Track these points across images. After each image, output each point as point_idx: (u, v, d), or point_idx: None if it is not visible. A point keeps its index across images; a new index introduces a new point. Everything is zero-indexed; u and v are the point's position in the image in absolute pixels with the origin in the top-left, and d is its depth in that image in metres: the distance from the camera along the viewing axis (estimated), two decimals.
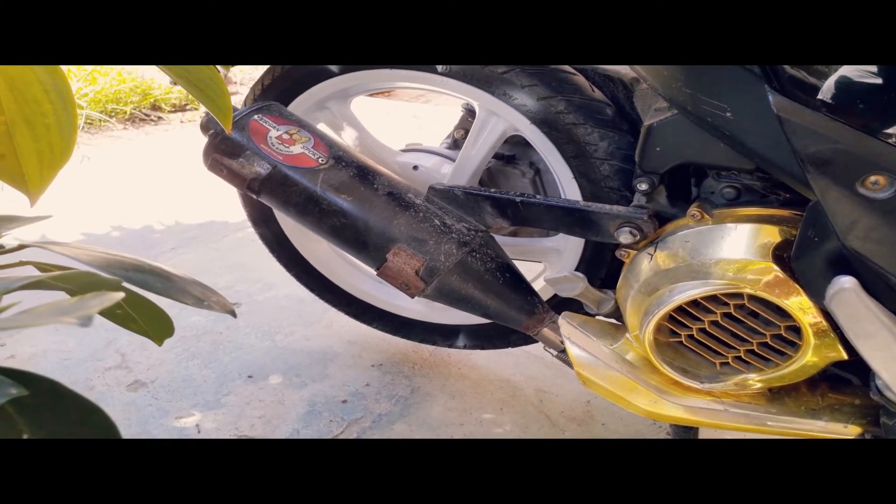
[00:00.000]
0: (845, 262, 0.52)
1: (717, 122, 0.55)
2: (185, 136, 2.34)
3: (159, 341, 0.51)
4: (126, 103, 2.33)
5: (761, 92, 0.50)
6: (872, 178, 0.48)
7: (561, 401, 1.04)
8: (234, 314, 0.46)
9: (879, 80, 0.47)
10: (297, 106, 0.91)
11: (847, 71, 0.47)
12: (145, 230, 1.58)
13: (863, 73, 0.47)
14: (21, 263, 0.45)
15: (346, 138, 0.93)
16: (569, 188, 0.78)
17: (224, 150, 0.79)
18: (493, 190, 0.77)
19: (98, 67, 2.37)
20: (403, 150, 0.94)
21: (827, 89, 0.48)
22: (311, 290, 1.09)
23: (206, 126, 0.84)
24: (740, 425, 0.68)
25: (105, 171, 1.96)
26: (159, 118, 2.42)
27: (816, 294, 0.55)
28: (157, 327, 0.49)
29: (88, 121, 2.23)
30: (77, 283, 0.38)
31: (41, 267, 0.42)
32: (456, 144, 0.96)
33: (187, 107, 2.53)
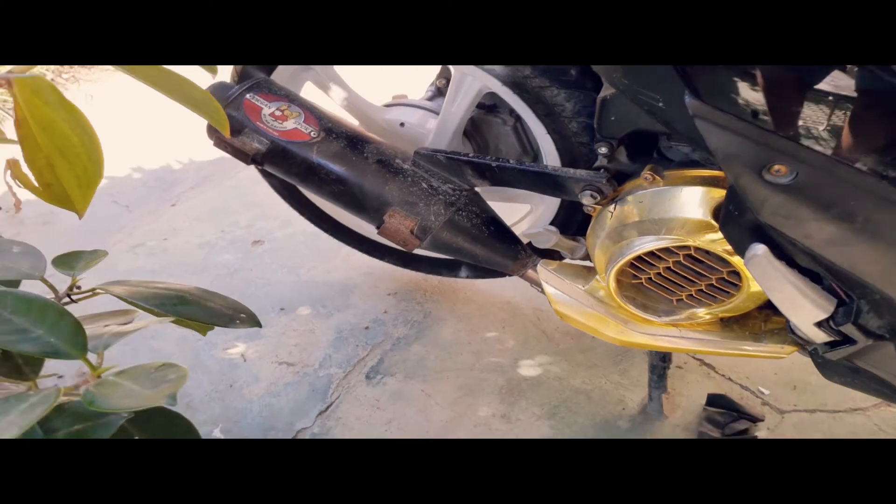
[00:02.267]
0: (761, 230, 0.64)
1: (653, 109, 0.64)
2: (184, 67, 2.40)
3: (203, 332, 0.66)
4: None
5: (682, 93, 0.59)
6: (775, 167, 0.58)
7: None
8: (260, 326, 0.60)
9: (778, 81, 0.55)
10: (283, 70, 1.00)
11: (754, 72, 0.56)
12: (163, 171, 1.72)
13: (765, 74, 0.55)
14: (94, 294, 0.59)
15: (334, 97, 1.03)
16: (543, 142, 0.89)
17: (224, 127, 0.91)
18: (471, 155, 0.88)
19: None
20: (389, 105, 1.03)
21: (736, 91, 0.57)
22: (325, 230, 1.24)
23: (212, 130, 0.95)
24: (695, 349, 0.84)
25: (111, 110, 2.06)
26: None
27: (740, 254, 0.67)
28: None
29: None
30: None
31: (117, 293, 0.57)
32: (439, 92, 1.05)
33: None
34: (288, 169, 0.91)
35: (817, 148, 0.57)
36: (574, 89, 0.82)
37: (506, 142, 1.00)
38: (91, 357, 0.43)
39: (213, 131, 0.94)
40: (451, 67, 0.91)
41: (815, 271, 0.66)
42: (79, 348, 0.39)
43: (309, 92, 1.06)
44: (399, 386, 1.13)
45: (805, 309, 0.66)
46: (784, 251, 0.65)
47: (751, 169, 0.59)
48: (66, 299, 0.52)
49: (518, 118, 0.98)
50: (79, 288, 0.55)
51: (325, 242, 1.40)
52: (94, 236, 1.47)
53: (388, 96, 1.09)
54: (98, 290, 0.54)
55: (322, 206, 1.21)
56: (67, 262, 0.54)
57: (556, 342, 1.17)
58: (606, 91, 0.74)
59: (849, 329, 0.66)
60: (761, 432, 1.02)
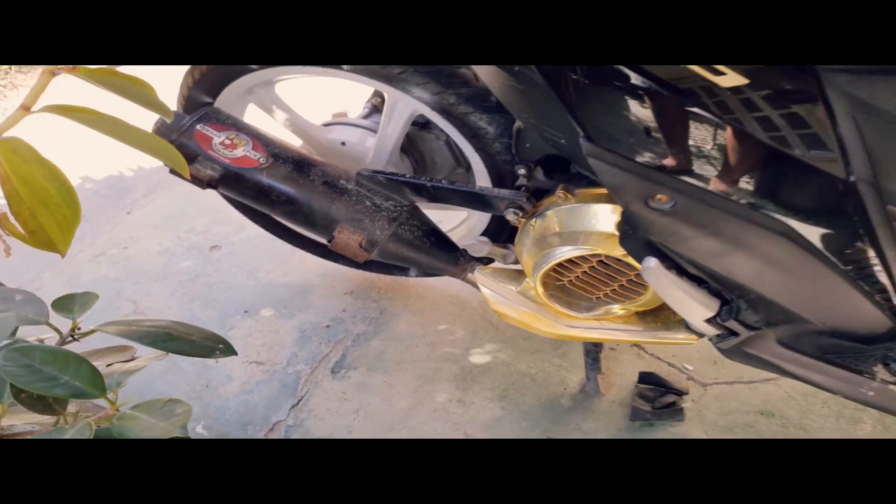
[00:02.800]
0: (653, 245, 0.75)
1: (556, 144, 0.74)
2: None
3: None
4: None
5: (578, 133, 0.69)
6: (658, 197, 0.69)
7: None
8: (235, 354, 0.69)
9: (655, 122, 0.66)
10: (227, 94, 1.07)
11: (639, 118, 0.66)
12: (114, 179, 1.76)
13: (646, 118, 0.66)
14: (91, 332, 0.67)
15: (277, 118, 1.11)
16: (472, 159, 0.98)
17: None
18: (408, 176, 0.97)
19: None
20: (329, 124, 1.11)
21: (622, 133, 0.67)
22: (279, 237, 1.33)
23: (160, 132, 1.02)
24: (616, 338, 0.96)
25: (53, 117, 2.07)
26: None
27: (640, 263, 0.78)
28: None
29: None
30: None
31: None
32: (375, 109, 1.13)
33: None
34: (241, 192, 0.99)
35: (691, 180, 0.68)
36: (495, 114, 0.91)
37: (440, 155, 1.10)
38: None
39: None
40: (385, 94, 0.99)
41: (701, 277, 0.77)
42: (98, 389, 0.48)
43: (252, 114, 1.13)
44: (362, 378, 1.24)
45: (695, 309, 0.78)
46: (673, 262, 0.76)
47: (637, 198, 0.70)
48: (70, 339, 0.60)
49: (448, 135, 1.07)
50: (79, 329, 0.64)
51: (280, 246, 1.48)
52: None
53: (327, 114, 1.16)
54: (96, 330, 0.63)
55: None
56: (65, 305, 0.62)
57: (502, 331, 1.28)
58: (520, 122, 0.83)
59: (732, 324, 0.78)
60: (687, 404, 1.15)
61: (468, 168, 1.07)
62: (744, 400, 1.16)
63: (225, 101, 1.08)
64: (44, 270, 1.47)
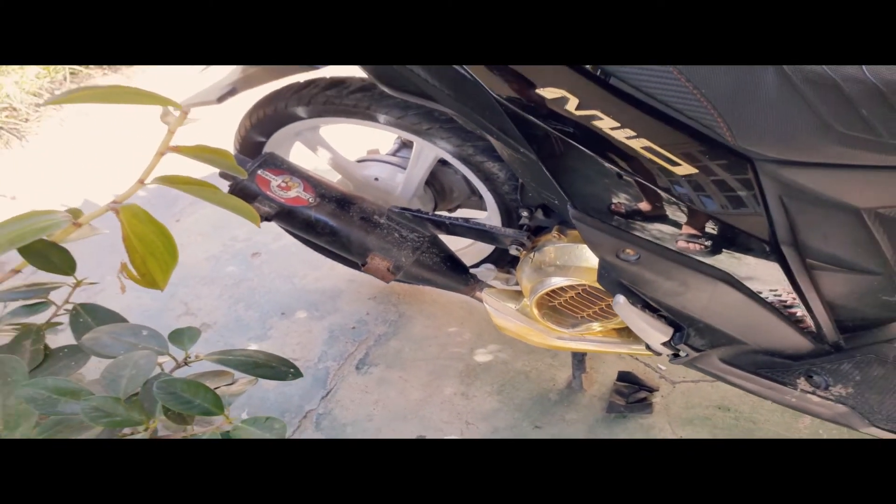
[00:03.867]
0: (622, 285, 0.96)
1: (549, 202, 0.95)
2: (165, 73, 2.52)
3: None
4: None
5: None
6: (626, 251, 0.90)
7: None
8: (301, 376, 0.88)
9: (625, 196, 0.86)
10: (278, 135, 1.27)
11: (613, 192, 0.86)
12: (162, 188, 1.95)
13: (617, 190, 0.86)
14: (198, 360, 0.87)
15: (319, 155, 1.31)
16: (485, 196, 1.19)
17: (243, 196, 1.18)
18: (431, 214, 1.18)
19: None
20: (363, 160, 1.31)
21: (600, 203, 0.88)
22: (313, 249, 1.53)
23: (224, 176, 1.22)
24: (597, 349, 1.17)
25: (107, 125, 2.24)
26: None
27: (612, 297, 0.99)
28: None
29: (72, 71, 2.46)
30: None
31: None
32: (404, 145, 1.33)
33: None
34: (293, 224, 1.20)
35: (652, 240, 0.89)
36: (505, 163, 1.11)
37: (458, 187, 1.30)
38: None
39: (232, 193, 1.21)
40: (413, 140, 1.19)
41: (658, 310, 0.99)
42: (219, 407, 0.68)
43: (298, 151, 1.33)
44: (382, 374, 1.45)
45: (653, 335, 1.00)
46: (638, 298, 0.97)
47: (610, 252, 0.91)
48: (184, 364, 0.81)
49: None
50: (190, 357, 0.83)
51: (313, 253, 1.69)
52: (118, 252, 1.73)
53: (363, 149, 1.36)
54: (202, 359, 0.82)
55: None
56: (178, 339, 0.81)
57: (503, 334, 1.50)
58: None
59: (682, 347, 1.00)
60: (656, 399, 1.37)
61: (481, 197, 1.28)
62: (705, 396, 1.38)
63: (275, 140, 1.29)
64: (105, 274, 1.68)
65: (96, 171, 2.03)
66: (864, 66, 0.68)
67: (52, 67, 2.40)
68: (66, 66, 2.42)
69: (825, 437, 1.31)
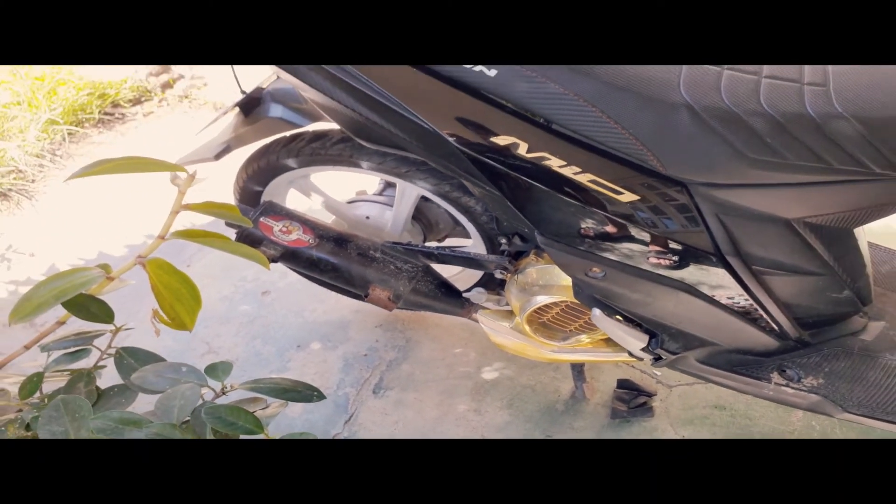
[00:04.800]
0: (597, 299, 1.13)
1: (521, 232, 1.13)
2: (155, 128, 2.78)
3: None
4: (91, 110, 2.77)
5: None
6: (593, 270, 1.07)
7: None
8: (324, 398, 1.05)
9: (584, 222, 1.04)
10: (274, 184, 1.47)
11: (574, 219, 1.04)
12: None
13: (580, 218, 1.04)
14: (234, 389, 1.07)
15: (313, 199, 1.51)
16: (467, 226, 1.37)
17: (249, 242, 1.39)
18: (420, 246, 1.36)
19: (58, 79, 2.75)
20: (353, 202, 1.50)
21: (565, 229, 1.05)
22: (319, 284, 1.73)
23: (230, 225, 1.42)
24: (588, 359, 1.34)
25: (107, 180, 2.47)
26: (123, 115, 2.85)
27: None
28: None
29: (69, 132, 2.70)
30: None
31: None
32: (389, 185, 1.52)
33: (142, 99, 2.96)
34: (297, 264, 1.39)
35: (614, 258, 1.06)
36: (480, 199, 1.30)
37: (443, 220, 1.49)
38: None
39: (238, 240, 1.41)
40: (396, 182, 1.38)
41: (633, 319, 1.16)
42: (260, 427, 0.86)
43: (293, 197, 1.53)
44: (398, 396, 1.63)
45: (631, 343, 1.16)
46: (613, 310, 1.14)
47: (579, 271, 1.08)
48: (222, 394, 0.99)
49: None
50: (226, 387, 1.01)
51: (319, 288, 1.88)
52: (138, 298, 1.94)
53: (352, 191, 1.56)
54: (237, 388, 1.00)
55: None
56: (213, 372, 1.00)
57: (505, 352, 1.67)
58: None
59: (659, 352, 1.16)
60: (656, 403, 1.53)
61: (464, 227, 1.46)
62: (702, 397, 1.53)
63: (271, 188, 1.49)
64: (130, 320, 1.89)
65: (103, 224, 2.26)
66: (761, 99, 0.86)
67: (49, 130, 2.65)
68: (64, 127, 2.67)
69: (818, 428, 1.45)
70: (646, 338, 1.17)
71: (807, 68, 0.87)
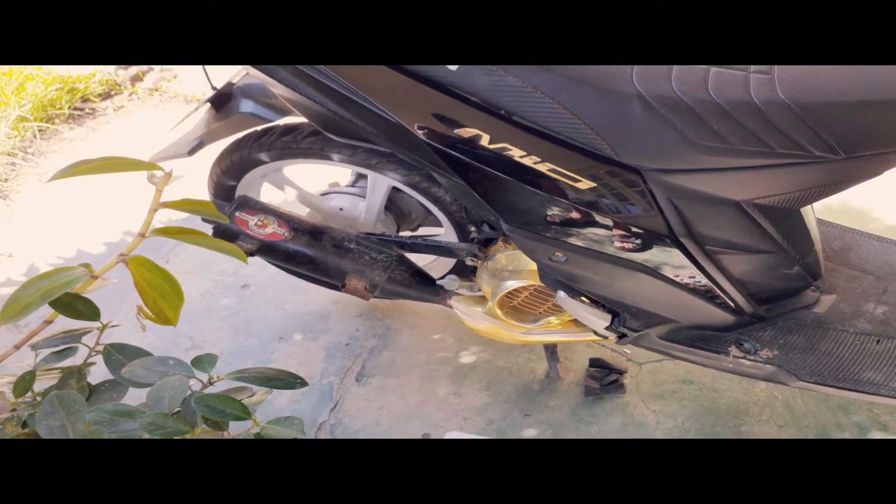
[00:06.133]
0: (561, 282, 1.19)
1: (488, 219, 1.18)
2: (126, 122, 2.79)
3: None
4: (61, 106, 2.76)
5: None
6: (555, 254, 1.13)
7: None
8: (307, 384, 1.10)
9: (546, 209, 1.09)
10: (247, 178, 1.50)
11: (535, 206, 1.09)
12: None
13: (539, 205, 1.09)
14: (220, 380, 1.11)
15: (287, 193, 1.54)
16: (438, 215, 1.42)
17: (226, 237, 1.42)
18: (393, 235, 1.41)
19: (26, 74, 2.74)
20: (326, 193, 1.54)
21: (529, 217, 1.11)
22: (297, 276, 1.77)
23: (206, 220, 1.46)
24: (558, 339, 1.40)
25: (83, 178, 2.50)
26: (93, 110, 2.84)
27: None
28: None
29: (40, 128, 2.70)
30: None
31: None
32: (361, 176, 1.56)
33: (112, 93, 2.96)
34: (274, 257, 1.44)
35: (574, 242, 1.11)
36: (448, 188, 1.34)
37: (415, 209, 1.53)
38: None
39: (215, 236, 1.45)
40: (367, 173, 1.42)
41: (596, 300, 1.21)
42: (248, 414, 0.91)
43: (267, 191, 1.57)
44: (380, 383, 1.68)
45: (595, 322, 1.23)
46: (576, 291, 1.20)
47: (543, 256, 1.14)
48: (209, 385, 1.04)
49: None
50: (213, 378, 1.05)
51: (298, 280, 1.92)
52: (117, 294, 1.97)
53: (325, 182, 1.60)
54: (223, 378, 1.04)
55: None
56: (200, 364, 1.04)
57: (482, 336, 1.73)
58: None
59: (622, 329, 1.23)
60: (627, 379, 1.60)
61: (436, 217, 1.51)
62: (670, 373, 1.60)
63: (245, 183, 1.52)
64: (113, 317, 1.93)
65: (79, 222, 2.28)
66: (709, 88, 0.91)
67: (19, 127, 2.65)
68: (34, 124, 2.67)
69: (780, 398, 1.53)
70: (608, 317, 1.23)
71: None
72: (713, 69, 0.91)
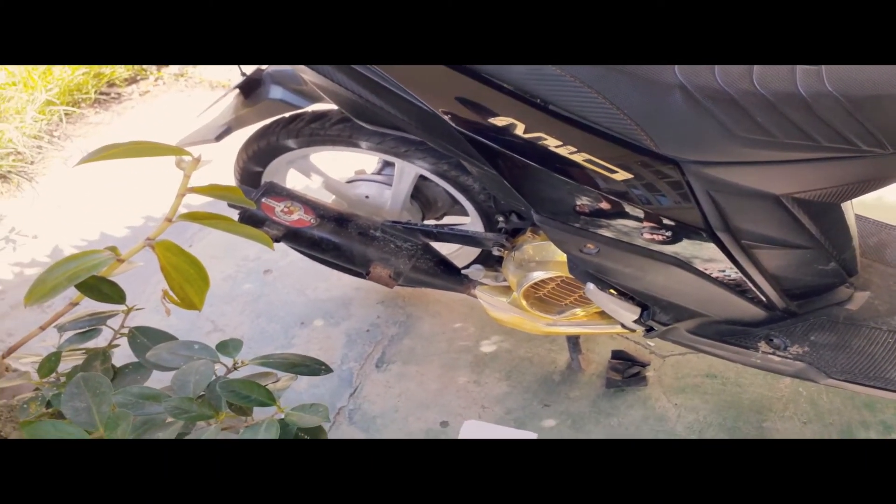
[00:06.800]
0: (591, 274, 1.15)
1: (519, 210, 1.14)
2: (151, 107, 2.76)
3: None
4: (87, 90, 2.74)
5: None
6: (587, 246, 1.09)
7: None
8: (331, 371, 1.07)
9: (579, 200, 1.05)
10: (274, 164, 1.47)
11: (569, 196, 1.05)
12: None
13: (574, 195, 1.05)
14: (244, 364, 1.08)
15: (313, 180, 1.51)
16: (465, 204, 1.39)
17: (252, 223, 1.40)
18: (419, 224, 1.38)
19: None
20: (352, 181, 1.51)
21: (559, 207, 1.07)
22: (320, 262, 1.74)
23: (233, 205, 1.43)
24: (583, 331, 1.37)
25: (108, 161, 2.48)
26: (119, 94, 2.82)
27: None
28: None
29: (66, 112, 2.68)
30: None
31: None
32: (388, 164, 1.53)
33: (138, 78, 2.93)
34: (299, 244, 1.41)
35: (607, 234, 1.08)
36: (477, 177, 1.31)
37: (441, 198, 1.50)
38: None
39: (241, 221, 1.42)
40: (395, 161, 1.38)
41: (626, 292, 1.18)
42: (272, 400, 0.89)
43: (293, 177, 1.54)
44: (400, 370, 1.66)
45: (624, 315, 1.19)
46: (606, 284, 1.17)
47: (574, 247, 1.10)
48: (234, 369, 1.02)
49: None
50: (238, 363, 1.03)
51: (320, 266, 1.89)
52: (140, 277, 1.95)
53: (351, 170, 1.57)
54: (248, 363, 1.02)
55: None
56: (225, 349, 1.02)
57: (503, 326, 1.70)
58: None
59: (651, 323, 1.19)
60: (650, 372, 1.56)
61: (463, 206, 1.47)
62: (693, 366, 1.56)
63: (272, 169, 1.49)
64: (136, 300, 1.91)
65: (103, 205, 2.26)
66: (754, 79, 0.87)
67: (46, 111, 2.63)
68: (61, 108, 2.65)
69: (804, 394, 1.49)
70: (638, 310, 1.19)
71: None
72: None
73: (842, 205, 1.02)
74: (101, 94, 2.83)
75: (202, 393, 0.93)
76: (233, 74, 1.37)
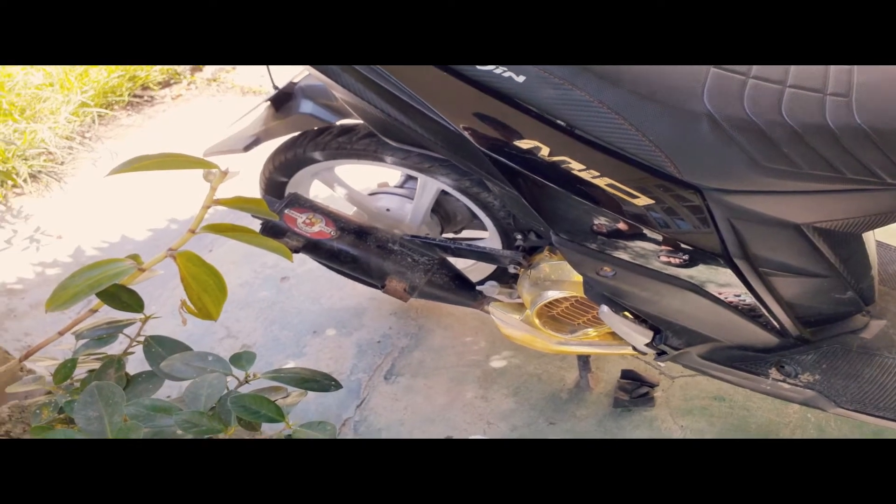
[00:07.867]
0: (605, 296, 1.12)
1: (538, 230, 1.11)
2: (182, 111, 2.75)
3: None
4: (122, 93, 2.73)
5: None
6: (603, 269, 1.06)
7: None
8: (341, 387, 1.04)
9: (597, 223, 1.02)
10: (299, 175, 1.45)
11: (587, 220, 1.03)
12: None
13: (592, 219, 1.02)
14: (256, 378, 1.05)
15: (336, 191, 1.49)
16: (484, 220, 1.36)
17: (274, 233, 1.37)
18: (438, 239, 1.35)
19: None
20: (374, 193, 1.49)
21: (579, 231, 1.04)
22: (337, 273, 1.72)
23: (256, 217, 1.41)
24: (594, 352, 1.33)
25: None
26: (152, 98, 2.81)
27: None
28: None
29: (99, 114, 2.67)
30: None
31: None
32: (410, 177, 1.50)
33: (171, 81, 2.92)
34: (319, 255, 1.38)
35: (624, 258, 1.05)
36: (498, 196, 1.28)
37: (461, 212, 1.47)
38: None
39: (263, 232, 1.40)
40: (417, 176, 1.36)
41: (639, 316, 1.14)
42: (281, 416, 0.86)
43: (316, 188, 1.52)
44: (408, 382, 1.63)
45: (636, 339, 1.16)
46: (620, 307, 1.13)
47: (591, 270, 1.07)
48: (245, 383, 0.99)
49: None
50: (250, 376, 1.00)
51: (336, 275, 1.87)
52: (159, 281, 1.93)
53: (374, 182, 1.54)
54: (259, 377, 1.00)
55: None
56: (238, 361, 1.00)
57: (515, 342, 1.67)
58: None
59: (663, 347, 1.15)
60: (658, 393, 1.53)
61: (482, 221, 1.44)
62: (702, 388, 1.53)
63: (296, 180, 1.47)
64: (151, 304, 1.89)
65: (128, 208, 2.25)
66: (782, 110, 0.84)
67: (80, 112, 2.62)
68: (94, 110, 2.64)
69: (813, 420, 1.45)
70: (650, 334, 1.16)
71: (831, 78, 0.86)
72: (788, 90, 0.84)
73: (863, 234, 0.99)
74: (135, 96, 2.82)
75: (213, 406, 0.90)
76: (264, 81, 1.35)
